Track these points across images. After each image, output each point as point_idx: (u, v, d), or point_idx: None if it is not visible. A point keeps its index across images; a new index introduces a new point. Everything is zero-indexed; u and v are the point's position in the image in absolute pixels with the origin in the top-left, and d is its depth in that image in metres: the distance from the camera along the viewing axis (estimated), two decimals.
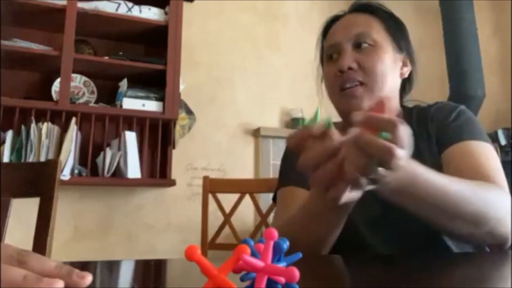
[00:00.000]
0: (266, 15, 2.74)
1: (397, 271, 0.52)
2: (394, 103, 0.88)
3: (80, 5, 2.07)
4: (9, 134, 1.90)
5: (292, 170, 0.90)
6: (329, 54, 0.88)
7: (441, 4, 2.78)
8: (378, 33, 0.85)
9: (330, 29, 0.91)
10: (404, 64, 0.89)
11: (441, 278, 0.46)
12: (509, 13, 3.01)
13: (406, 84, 0.93)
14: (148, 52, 2.39)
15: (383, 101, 0.54)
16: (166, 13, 2.25)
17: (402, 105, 0.94)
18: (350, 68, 0.81)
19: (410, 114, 0.91)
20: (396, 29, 0.88)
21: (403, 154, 0.50)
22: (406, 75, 0.89)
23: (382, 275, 0.50)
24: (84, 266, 0.54)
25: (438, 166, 0.75)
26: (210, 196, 1.69)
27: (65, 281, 0.33)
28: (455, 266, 0.56)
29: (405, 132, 0.51)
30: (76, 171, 1.97)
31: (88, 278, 0.34)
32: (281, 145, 2.46)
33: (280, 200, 0.90)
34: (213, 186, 1.70)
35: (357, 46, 0.84)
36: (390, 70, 0.84)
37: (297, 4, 2.80)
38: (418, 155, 0.82)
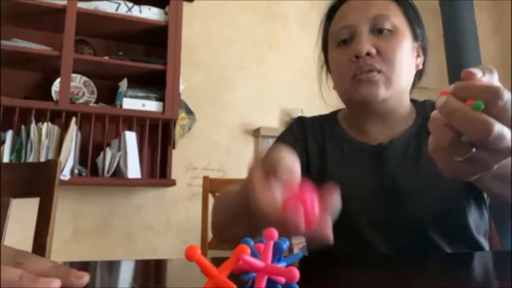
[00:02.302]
0: (266, 15, 2.74)
1: (397, 272, 0.52)
2: (406, 97, 0.80)
3: (80, 5, 2.07)
4: (9, 134, 1.89)
5: (286, 137, 0.85)
6: (339, 37, 0.77)
7: (441, 4, 2.78)
8: (397, 17, 0.76)
9: (337, 11, 0.81)
10: (418, 55, 0.81)
11: (441, 278, 0.46)
12: (509, 13, 3.01)
13: (416, 76, 0.84)
14: (148, 52, 2.39)
15: (469, 70, 0.41)
16: (166, 13, 2.25)
17: (411, 99, 0.85)
18: (368, 54, 0.72)
19: (424, 110, 0.82)
20: (413, 15, 0.80)
21: (505, 133, 0.38)
22: (420, 67, 0.81)
23: (382, 275, 0.50)
24: (84, 266, 0.54)
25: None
26: (210, 196, 1.69)
27: (62, 281, 0.33)
28: (455, 266, 0.56)
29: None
30: (76, 171, 1.97)
31: (85, 278, 0.34)
32: None
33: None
34: (213, 186, 1.70)
35: (375, 30, 0.74)
36: (408, 60, 0.76)
37: (296, 4, 2.80)
38: (433, 164, 0.77)
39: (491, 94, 0.38)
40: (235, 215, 0.60)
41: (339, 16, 0.80)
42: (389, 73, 0.73)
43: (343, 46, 0.77)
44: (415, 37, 0.79)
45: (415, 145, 0.77)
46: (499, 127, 0.37)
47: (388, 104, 0.76)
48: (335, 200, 0.43)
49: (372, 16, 0.75)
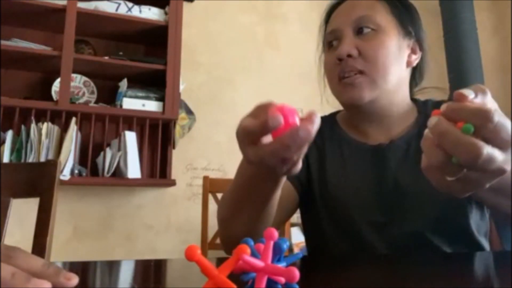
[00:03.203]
0: (266, 15, 2.74)
1: (397, 272, 0.52)
2: (401, 96, 0.80)
3: (80, 5, 2.07)
4: (9, 134, 1.89)
5: None
6: (328, 41, 0.81)
7: (441, 4, 2.78)
8: (382, 16, 0.77)
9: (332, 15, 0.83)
10: (413, 52, 0.80)
11: (441, 278, 0.46)
12: (509, 13, 3.01)
13: (416, 74, 0.84)
14: (148, 52, 2.39)
15: (461, 92, 0.41)
16: (166, 13, 2.25)
17: (412, 98, 0.85)
18: (349, 56, 0.74)
19: (425, 110, 0.82)
20: (403, 12, 0.80)
21: (495, 155, 0.38)
22: (414, 64, 0.81)
23: (382, 276, 0.50)
24: (84, 266, 0.54)
25: None
26: (210, 196, 1.69)
27: (51, 281, 0.33)
28: (455, 266, 0.56)
29: (503, 126, 0.38)
30: (76, 171, 1.97)
31: (74, 280, 0.34)
32: None
33: None
34: (213, 186, 1.70)
35: (359, 31, 0.76)
36: (394, 58, 0.76)
37: (297, 4, 2.80)
38: None
39: (482, 116, 0.38)
40: (237, 199, 0.63)
41: (330, 20, 0.83)
42: (372, 74, 0.74)
43: (331, 49, 0.80)
44: (406, 33, 0.79)
45: (416, 145, 0.76)
46: (488, 150, 0.38)
47: (378, 104, 0.76)
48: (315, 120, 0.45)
49: (355, 18, 0.77)
